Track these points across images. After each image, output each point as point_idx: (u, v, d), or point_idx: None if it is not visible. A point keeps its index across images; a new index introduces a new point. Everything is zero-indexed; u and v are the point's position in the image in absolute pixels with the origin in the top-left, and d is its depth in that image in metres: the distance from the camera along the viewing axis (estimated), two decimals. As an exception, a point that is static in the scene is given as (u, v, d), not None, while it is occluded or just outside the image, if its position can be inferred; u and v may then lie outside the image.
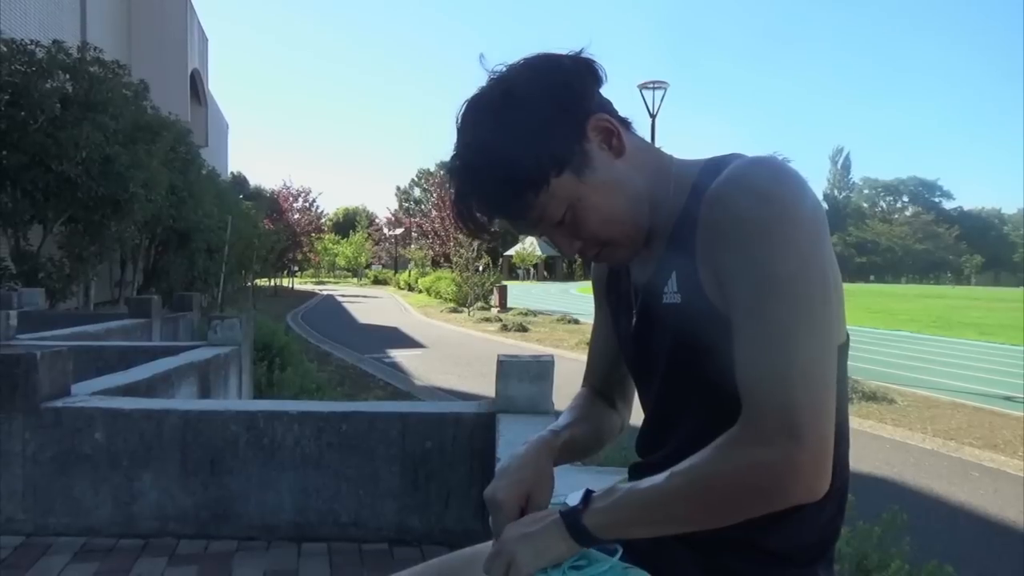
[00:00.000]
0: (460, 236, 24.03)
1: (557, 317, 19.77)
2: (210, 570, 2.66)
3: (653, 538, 0.88)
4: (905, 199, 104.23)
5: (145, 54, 18.17)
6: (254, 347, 6.59)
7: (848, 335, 0.93)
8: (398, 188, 72.25)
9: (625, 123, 0.97)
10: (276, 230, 30.89)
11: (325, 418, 2.97)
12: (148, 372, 3.93)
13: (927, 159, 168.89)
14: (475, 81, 0.94)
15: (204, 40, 24.75)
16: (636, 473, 1.00)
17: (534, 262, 52.43)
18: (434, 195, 49.19)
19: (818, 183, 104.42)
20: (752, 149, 0.90)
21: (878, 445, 7.07)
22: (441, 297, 28.60)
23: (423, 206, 61.34)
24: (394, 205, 69.67)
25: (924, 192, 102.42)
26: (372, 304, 29.45)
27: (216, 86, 42.34)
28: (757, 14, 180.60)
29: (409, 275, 43.23)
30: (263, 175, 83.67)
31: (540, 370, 3.02)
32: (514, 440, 2.45)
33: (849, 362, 0.95)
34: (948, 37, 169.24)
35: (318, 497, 2.94)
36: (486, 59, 0.94)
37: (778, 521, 0.84)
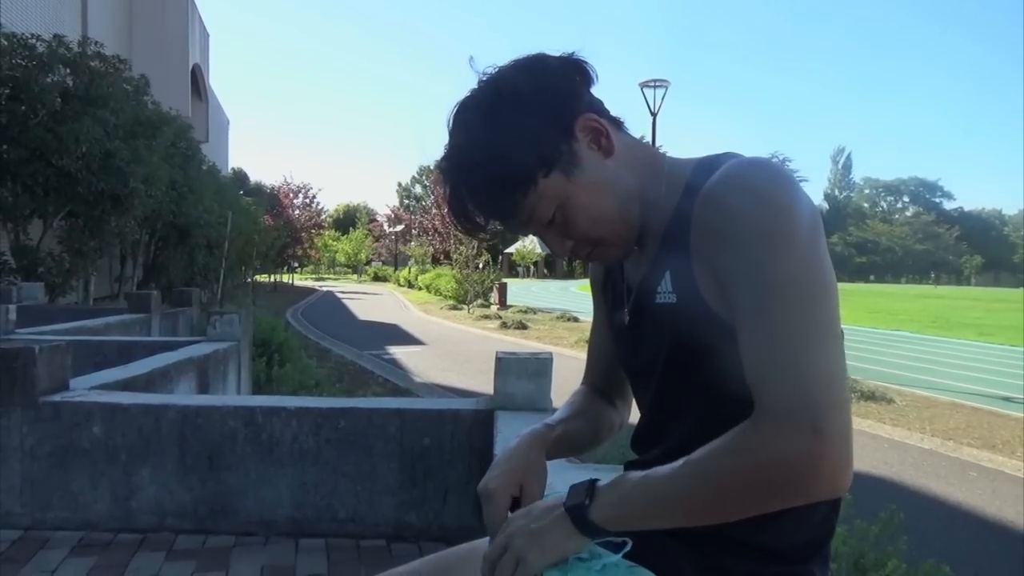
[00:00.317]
0: (459, 234, 23.99)
1: (557, 315, 19.80)
2: (208, 565, 2.66)
3: (646, 534, 0.88)
4: (906, 199, 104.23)
5: (146, 49, 18.16)
6: (253, 343, 6.59)
7: (842, 331, 0.94)
8: (399, 184, 72.15)
9: (616, 122, 0.97)
10: (276, 226, 30.90)
11: (323, 414, 2.97)
12: (147, 367, 3.93)
13: (928, 160, 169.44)
14: (473, 81, 0.95)
15: (205, 35, 24.71)
16: (631, 470, 1.00)
17: (534, 260, 52.42)
18: (434, 192, 49.16)
19: (819, 182, 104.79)
20: (754, 147, 0.91)
21: (876, 444, 7.08)
22: (441, 294, 28.62)
23: (424, 203, 61.25)
24: (395, 201, 69.68)
25: (925, 192, 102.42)
26: (372, 301, 29.44)
27: (217, 81, 42.39)
28: (759, 12, 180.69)
29: (409, 272, 43.24)
30: (263, 171, 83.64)
31: (538, 367, 3.02)
32: (512, 437, 2.44)
33: (848, 362, 0.95)
34: (951, 36, 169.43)
35: (316, 493, 2.94)
36: (475, 62, 0.95)
37: (772, 519, 0.84)
